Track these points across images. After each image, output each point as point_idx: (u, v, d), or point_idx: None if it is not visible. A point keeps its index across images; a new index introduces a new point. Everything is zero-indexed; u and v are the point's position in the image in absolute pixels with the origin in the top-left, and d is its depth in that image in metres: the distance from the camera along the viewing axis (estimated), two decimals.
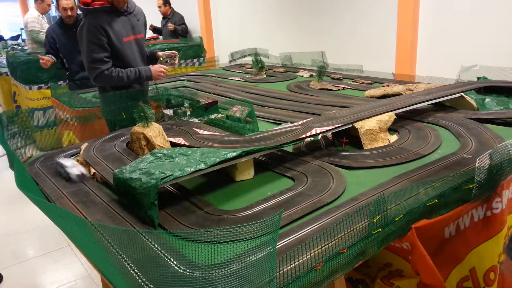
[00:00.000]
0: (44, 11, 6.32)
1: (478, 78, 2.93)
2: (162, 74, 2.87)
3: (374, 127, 2.02)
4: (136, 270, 1.09)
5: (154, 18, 7.21)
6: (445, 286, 1.46)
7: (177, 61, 2.96)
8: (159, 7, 7.09)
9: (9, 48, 7.69)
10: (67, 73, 4.55)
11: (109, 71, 2.71)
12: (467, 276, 1.60)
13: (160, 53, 3.00)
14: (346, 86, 3.30)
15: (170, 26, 6.97)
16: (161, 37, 7.15)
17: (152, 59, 3.06)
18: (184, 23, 7.35)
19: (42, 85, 5.22)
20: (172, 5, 7.26)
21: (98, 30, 2.67)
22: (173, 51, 2.97)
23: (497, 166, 1.54)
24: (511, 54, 3.65)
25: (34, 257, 3.32)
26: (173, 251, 1.15)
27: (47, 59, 4.27)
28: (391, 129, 2.17)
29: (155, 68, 2.85)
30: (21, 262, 3.25)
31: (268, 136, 1.93)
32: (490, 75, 2.91)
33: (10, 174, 1.79)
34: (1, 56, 7.70)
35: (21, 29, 8.87)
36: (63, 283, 2.99)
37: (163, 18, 7.33)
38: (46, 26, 6.39)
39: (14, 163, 1.74)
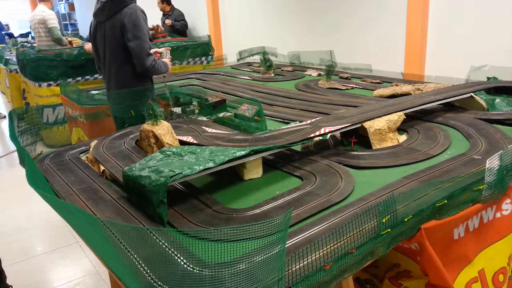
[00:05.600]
0: (51, 7, 6.38)
1: (488, 78, 2.91)
2: (170, 66, 3.16)
3: (383, 127, 2.01)
4: (145, 268, 1.09)
5: (154, 15, 7.27)
6: (453, 287, 1.45)
7: (170, 55, 3.23)
8: (158, 3, 7.22)
9: (19, 45, 7.75)
10: None
11: (155, 59, 2.86)
12: (475, 277, 1.59)
13: (160, 50, 3.19)
14: (354, 86, 3.29)
15: (168, 21, 7.07)
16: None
17: None
18: (184, 20, 7.43)
19: (52, 82, 5.26)
20: (172, 2, 7.41)
21: (146, 18, 2.84)
22: (167, 47, 3.26)
23: (507, 167, 1.53)
24: None
25: (43, 253, 3.34)
26: (182, 249, 1.15)
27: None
28: (400, 129, 2.16)
29: (167, 61, 3.08)
30: (29, 258, 3.28)
31: (276, 135, 1.93)
32: (500, 75, 2.89)
33: (19, 170, 1.80)
34: (11, 53, 7.77)
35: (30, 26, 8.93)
36: (71, 279, 3.01)
37: (163, 15, 7.42)
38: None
39: (24, 160, 1.75)
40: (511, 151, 1.56)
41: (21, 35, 11.53)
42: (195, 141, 1.98)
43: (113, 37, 2.83)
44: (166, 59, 3.10)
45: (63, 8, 16.06)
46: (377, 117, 2.07)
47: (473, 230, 1.58)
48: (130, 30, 2.76)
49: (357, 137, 2.03)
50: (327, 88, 3.26)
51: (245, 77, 4.00)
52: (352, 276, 1.34)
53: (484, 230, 1.61)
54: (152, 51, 3.16)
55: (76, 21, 15.91)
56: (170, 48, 3.27)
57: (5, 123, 7.37)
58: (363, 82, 3.42)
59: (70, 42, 6.35)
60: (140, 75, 2.89)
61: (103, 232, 1.17)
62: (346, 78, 3.63)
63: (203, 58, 5.90)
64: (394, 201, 1.27)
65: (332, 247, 1.15)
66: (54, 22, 6.17)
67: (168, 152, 1.62)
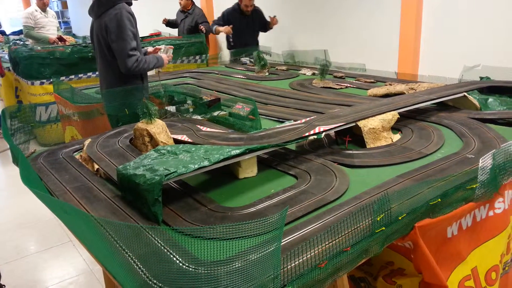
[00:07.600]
0: (42, 7, 6.36)
1: (481, 78, 2.93)
2: (167, 62, 3.10)
3: (377, 126, 2.02)
4: (140, 266, 1.09)
5: (169, 12, 7.03)
6: (447, 285, 1.46)
7: (171, 54, 3.18)
8: (181, 0, 6.57)
9: (11, 43, 7.69)
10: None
11: (140, 58, 2.82)
12: (468, 275, 1.61)
13: (159, 46, 3.17)
14: (348, 85, 3.30)
15: (202, 28, 6.45)
16: (173, 32, 6.93)
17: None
18: (206, 20, 6.68)
19: (45, 80, 5.22)
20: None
21: (134, 18, 2.82)
22: (170, 46, 3.22)
23: (500, 166, 1.54)
24: None
25: (36, 252, 3.33)
26: (177, 247, 1.15)
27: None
28: (394, 128, 2.17)
29: (163, 56, 3.05)
30: (23, 257, 3.26)
31: (271, 134, 1.93)
32: (493, 75, 2.91)
33: (13, 169, 1.79)
34: (4, 51, 7.70)
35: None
36: (65, 278, 3.00)
37: (182, 12, 6.65)
38: (44, 21, 6.41)
39: (18, 158, 1.74)
40: (503, 150, 1.57)
41: (13, 33, 11.43)
42: (189, 140, 1.97)
43: (100, 36, 2.83)
44: (164, 55, 3.07)
45: (56, 6, 15.95)
46: (371, 116, 2.08)
47: (466, 228, 1.59)
48: (112, 31, 2.74)
49: (351, 136, 2.03)
50: (321, 87, 3.27)
51: (240, 76, 4.00)
52: (347, 274, 1.34)
53: (477, 229, 1.63)
54: (151, 49, 3.15)
55: (69, 19, 15.80)
56: (172, 46, 3.20)
57: None
58: (357, 82, 3.43)
59: (60, 39, 6.31)
60: (126, 76, 2.85)
61: (97, 231, 1.17)
62: (340, 77, 3.64)
63: (197, 57, 5.89)
64: (388, 200, 1.28)
65: (327, 245, 1.16)
66: (24, 20, 6.30)
67: (163, 151, 1.61)
